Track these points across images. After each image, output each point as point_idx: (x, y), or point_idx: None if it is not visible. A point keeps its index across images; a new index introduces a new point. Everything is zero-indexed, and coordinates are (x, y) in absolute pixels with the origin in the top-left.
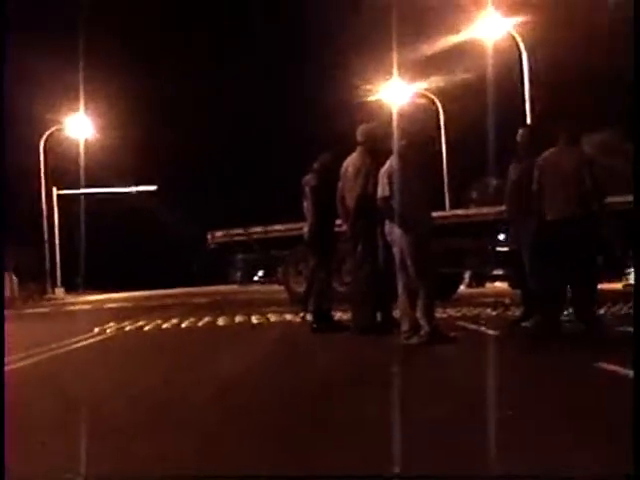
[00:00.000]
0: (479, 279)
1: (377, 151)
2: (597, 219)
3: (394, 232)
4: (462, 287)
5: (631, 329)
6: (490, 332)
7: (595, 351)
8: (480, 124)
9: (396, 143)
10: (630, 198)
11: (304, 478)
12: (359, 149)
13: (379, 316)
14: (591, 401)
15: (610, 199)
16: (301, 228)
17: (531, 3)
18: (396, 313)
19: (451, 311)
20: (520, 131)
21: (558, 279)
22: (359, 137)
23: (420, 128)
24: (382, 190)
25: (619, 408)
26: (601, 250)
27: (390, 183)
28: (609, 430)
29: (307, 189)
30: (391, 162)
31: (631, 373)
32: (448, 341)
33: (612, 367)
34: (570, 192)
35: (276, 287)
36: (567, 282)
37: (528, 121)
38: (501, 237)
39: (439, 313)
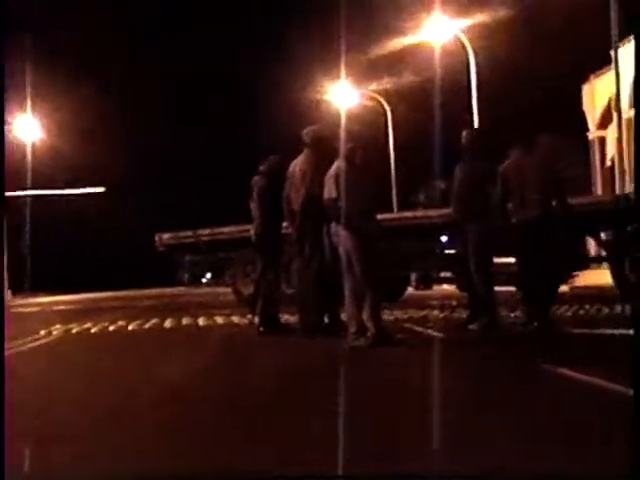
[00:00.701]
0: (427, 281)
1: (324, 153)
2: (559, 221)
3: (340, 234)
4: (409, 289)
5: (580, 330)
6: (437, 334)
7: (545, 352)
8: (428, 127)
9: (343, 145)
10: (579, 200)
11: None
12: (306, 151)
13: (326, 318)
14: (535, 401)
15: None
16: (249, 230)
17: (478, 6)
18: (343, 315)
19: (398, 313)
20: (464, 133)
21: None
22: (306, 139)
23: (368, 130)
24: (329, 192)
25: (561, 408)
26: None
27: (337, 185)
28: (552, 431)
29: (255, 191)
30: (338, 164)
31: (577, 375)
32: (394, 343)
33: (560, 369)
34: (534, 196)
35: (224, 289)
36: (532, 282)
37: (475, 123)
38: (446, 239)
39: (386, 315)
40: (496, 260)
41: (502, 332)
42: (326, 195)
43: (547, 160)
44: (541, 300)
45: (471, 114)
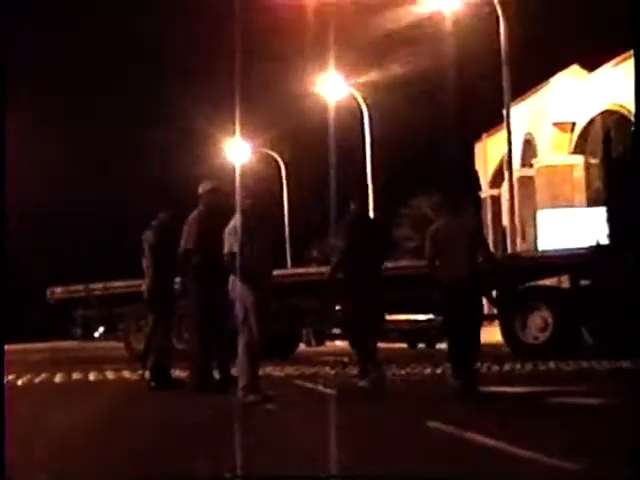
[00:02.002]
0: (319, 337)
1: (216, 207)
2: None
3: (237, 289)
4: (301, 345)
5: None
6: (327, 391)
7: (432, 409)
8: (322, 182)
9: (240, 201)
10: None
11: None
12: (199, 205)
13: (217, 374)
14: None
15: None
16: (141, 285)
17: (373, 64)
18: (234, 370)
19: (290, 370)
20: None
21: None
22: (200, 192)
23: (263, 186)
24: (228, 246)
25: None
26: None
27: (236, 239)
28: None
29: (145, 246)
30: (236, 219)
31: (460, 432)
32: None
33: (442, 426)
34: (463, 258)
35: (117, 344)
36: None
37: (369, 179)
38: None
39: (277, 371)
40: (390, 317)
41: (394, 388)
42: (226, 249)
43: (473, 220)
44: (467, 358)
45: (365, 169)
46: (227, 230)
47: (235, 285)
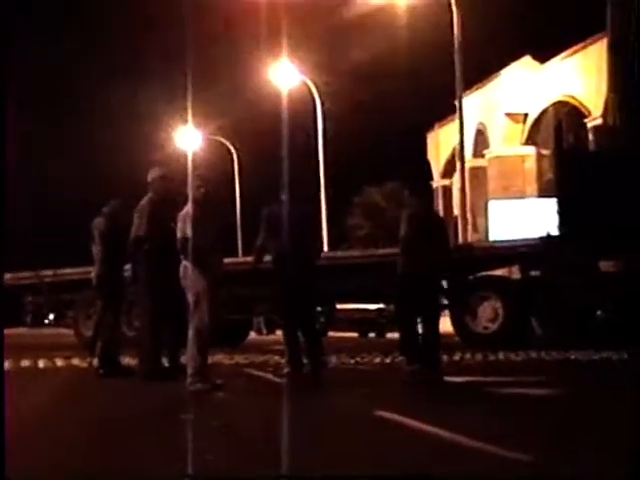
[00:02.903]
0: (270, 326)
1: (165, 194)
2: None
3: (189, 275)
4: (252, 334)
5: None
6: (276, 380)
7: (376, 398)
8: (274, 171)
9: (193, 189)
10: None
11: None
12: (148, 192)
13: (166, 361)
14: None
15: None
16: (90, 272)
17: (327, 54)
18: (183, 358)
19: (239, 358)
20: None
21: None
22: (149, 179)
23: (214, 173)
24: (181, 231)
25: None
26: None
27: (189, 226)
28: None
29: (95, 233)
30: (188, 206)
31: (406, 420)
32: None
33: (389, 415)
34: (427, 247)
35: (67, 331)
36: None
37: (321, 168)
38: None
39: (227, 359)
40: (341, 306)
41: (344, 377)
42: (179, 235)
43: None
44: (430, 345)
45: (317, 159)
46: (180, 216)
47: (187, 271)
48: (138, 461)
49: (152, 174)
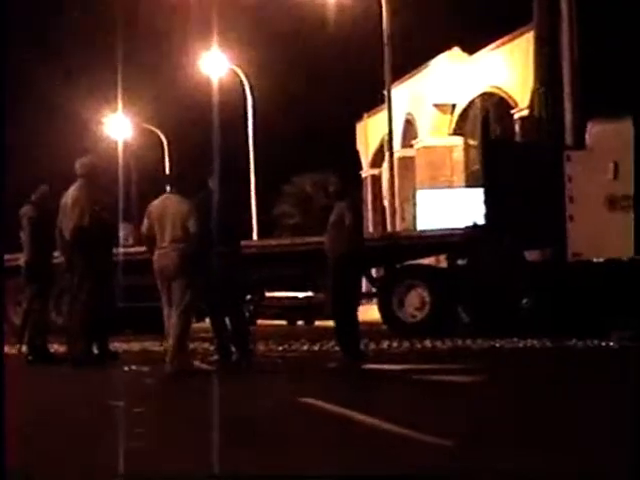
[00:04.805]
0: (200, 314)
1: (96, 183)
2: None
3: (164, 262)
4: None
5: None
6: (204, 367)
7: (302, 385)
8: (205, 159)
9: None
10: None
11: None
12: (78, 181)
13: (95, 348)
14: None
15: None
16: (19, 259)
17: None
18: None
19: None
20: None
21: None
22: (78, 169)
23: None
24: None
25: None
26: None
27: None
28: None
29: (24, 220)
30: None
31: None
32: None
33: (315, 402)
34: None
35: None
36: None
37: (251, 156)
38: None
39: (156, 347)
40: (270, 294)
41: (271, 365)
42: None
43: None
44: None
45: (247, 146)
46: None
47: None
48: (61, 452)
49: (80, 163)
